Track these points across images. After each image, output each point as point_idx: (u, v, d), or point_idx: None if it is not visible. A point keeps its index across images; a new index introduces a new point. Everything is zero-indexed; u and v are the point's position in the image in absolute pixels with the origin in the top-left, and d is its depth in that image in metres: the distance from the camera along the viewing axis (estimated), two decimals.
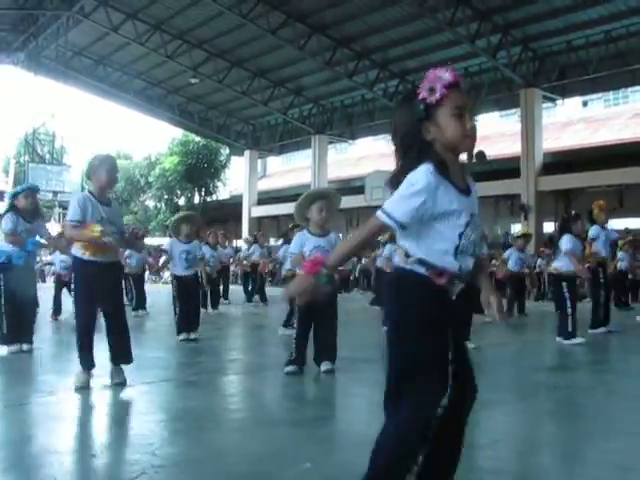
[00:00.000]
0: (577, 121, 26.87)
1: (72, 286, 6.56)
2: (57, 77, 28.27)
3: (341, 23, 21.40)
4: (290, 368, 5.63)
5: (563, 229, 8.37)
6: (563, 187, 20.87)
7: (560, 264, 8.14)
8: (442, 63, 22.60)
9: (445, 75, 2.18)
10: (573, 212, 8.70)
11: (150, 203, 42.03)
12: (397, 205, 2.18)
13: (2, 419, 4.21)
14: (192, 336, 8.13)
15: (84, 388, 4.87)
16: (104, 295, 5.06)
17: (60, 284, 11.71)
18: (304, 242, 5.80)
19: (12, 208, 6.81)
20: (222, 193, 38.65)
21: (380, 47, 22.69)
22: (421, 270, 2.24)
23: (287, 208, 31.72)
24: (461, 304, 2.39)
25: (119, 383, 5.04)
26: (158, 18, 23.56)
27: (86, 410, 4.49)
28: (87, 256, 4.97)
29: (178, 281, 8.31)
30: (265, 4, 20.75)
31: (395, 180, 2.27)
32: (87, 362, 4.98)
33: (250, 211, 32.15)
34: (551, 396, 5.07)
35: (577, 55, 20.23)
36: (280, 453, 3.37)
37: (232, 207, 34.35)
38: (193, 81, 26.76)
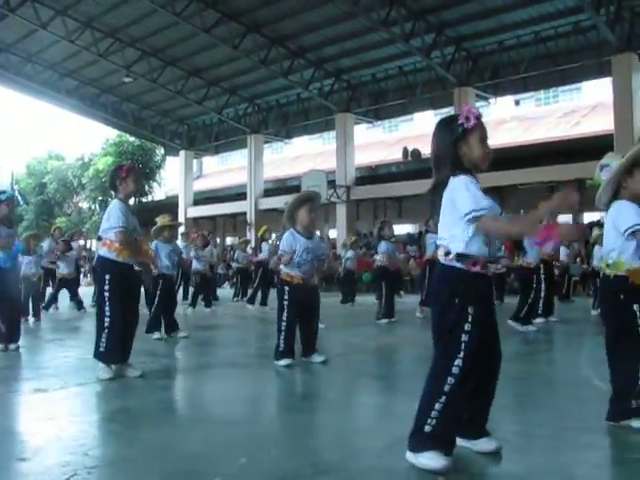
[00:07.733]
0: (510, 119, 27.45)
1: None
2: None
3: (276, 21, 21.31)
4: (284, 362, 5.79)
5: None
6: (495, 184, 21.24)
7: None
8: (377, 62, 22.85)
9: (476, 111, 3.01)
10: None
11: (84, 205, 41.16)
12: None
13: None
14: (181, 335, 8.56)
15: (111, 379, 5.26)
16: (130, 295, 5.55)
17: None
18: (294, 242, 5.96)
19: None
20: (158, 194, 38.21)
21: (315, 46, 22.63)
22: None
23: (224, 208, 31.55)
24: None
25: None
26: (89, 15, 22.94)
27: (15, 413, 4.33)
28: (121, 258, 5.40)
29: (163, 279, 8.63)
30: (199, 2, 20.44)
31: (436, 188, 3.02)
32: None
33: (186, 212, 31.79)
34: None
35: (509, 55, 20.63)
36: (215, 450, 3.34)
37: (168, 208, 33.64)
38: (126, 80, 26.25)
